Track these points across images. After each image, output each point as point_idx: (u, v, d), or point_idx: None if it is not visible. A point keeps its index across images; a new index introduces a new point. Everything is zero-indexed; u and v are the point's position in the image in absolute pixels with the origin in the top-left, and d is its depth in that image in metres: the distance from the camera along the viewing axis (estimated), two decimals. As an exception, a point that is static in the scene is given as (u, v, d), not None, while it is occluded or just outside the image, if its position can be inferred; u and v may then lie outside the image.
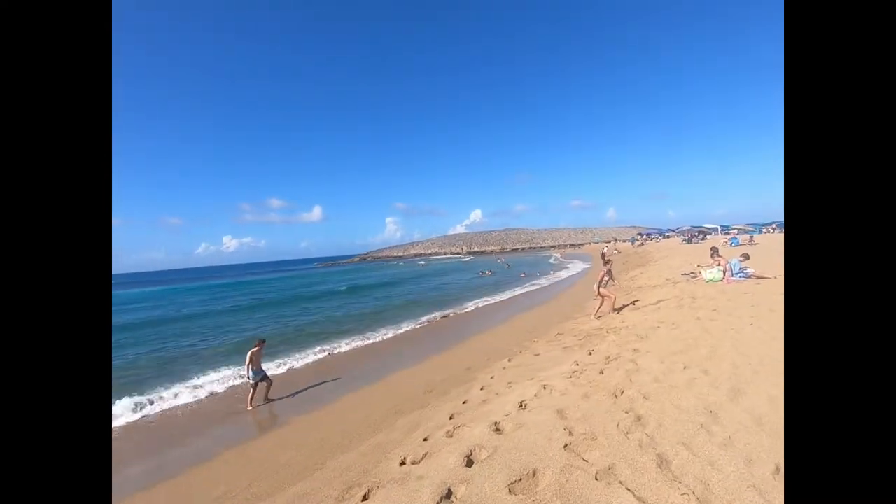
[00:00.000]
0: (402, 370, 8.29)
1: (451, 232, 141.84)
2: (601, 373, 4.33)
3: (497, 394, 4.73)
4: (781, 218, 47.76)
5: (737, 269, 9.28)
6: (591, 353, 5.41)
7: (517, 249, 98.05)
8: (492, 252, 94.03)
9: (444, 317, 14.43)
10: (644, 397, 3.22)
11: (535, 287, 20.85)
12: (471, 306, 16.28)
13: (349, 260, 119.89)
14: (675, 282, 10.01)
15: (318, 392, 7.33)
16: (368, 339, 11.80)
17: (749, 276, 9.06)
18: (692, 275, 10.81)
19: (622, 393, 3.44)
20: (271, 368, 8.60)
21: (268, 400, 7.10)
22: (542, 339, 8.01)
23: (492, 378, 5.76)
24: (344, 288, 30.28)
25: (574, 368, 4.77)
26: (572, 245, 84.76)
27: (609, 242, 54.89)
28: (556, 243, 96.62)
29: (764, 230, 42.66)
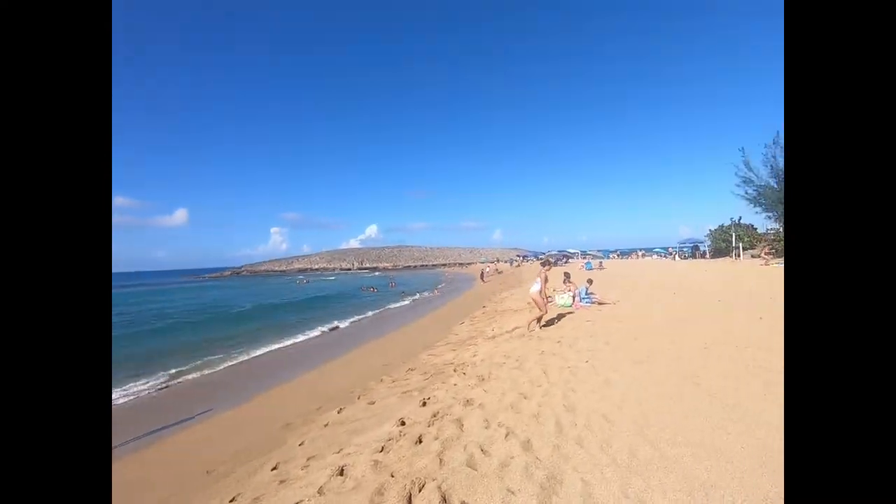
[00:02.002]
0: (214, 419, 6.32)
1: (343, 246, 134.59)
2: (418, 442, 3.36)
3: (282, 481, 3.38)
4: (623, 246, 57.59)
5: (584, 295, 9.80)
6: (424, 404, 4.47)
7: (410, 267, 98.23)
8: (384, 268, 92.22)
9: (297, 342, 12.42)
10: (442, 500, 2.27)
11: (409, 308, 20.09)
12: (334, 330, 14.56)
13: (219, 273, 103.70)
14: (533, 306, 10.14)
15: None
16: (202, 370, 9.30)
17: (593, 302, 9.62)
18: (549, 299, 11.20)
19: (420, 491, 2.46)
20: None
21: None
22: (391, 375, 6.93)
23: (300, 445, 4.36)
24: (197, 306, 24.89)
25: (393, 433, 3.72)
26: (461, 264, 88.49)
27: (492, 263, 58.52)
28: (448, 261, 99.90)
29: (611, 256, 50.73)
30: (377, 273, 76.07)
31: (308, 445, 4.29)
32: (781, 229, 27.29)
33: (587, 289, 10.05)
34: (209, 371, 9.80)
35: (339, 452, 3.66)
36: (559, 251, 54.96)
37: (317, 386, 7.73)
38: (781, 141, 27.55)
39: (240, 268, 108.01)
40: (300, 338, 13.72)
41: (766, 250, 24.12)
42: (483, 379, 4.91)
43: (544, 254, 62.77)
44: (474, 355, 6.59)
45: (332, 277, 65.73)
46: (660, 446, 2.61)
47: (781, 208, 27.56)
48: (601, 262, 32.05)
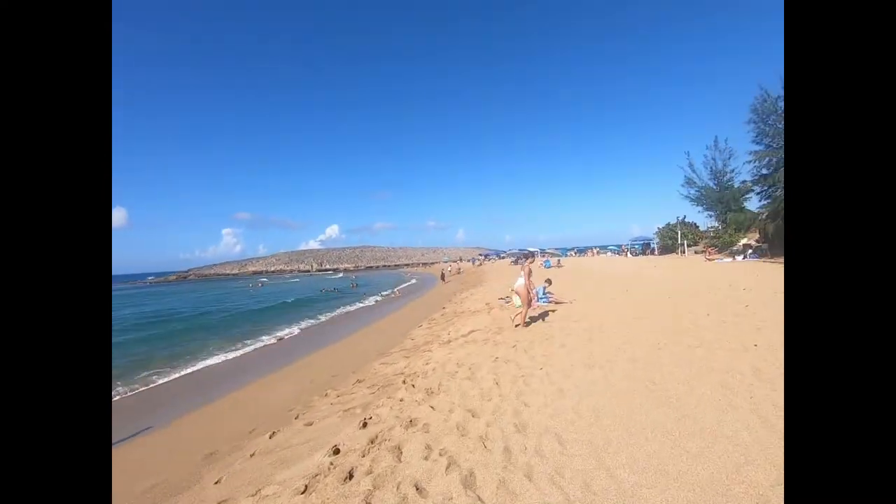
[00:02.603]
0: (130, 447, 5.40)
1: (302, 247, 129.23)
2: (348, 478, 2.88)
3: (179, 539, 2.78)
4: (580, 244, 59.85)
5: (541, 294, 9.69)
6: (364, 425, 3.99)
7: (372, 267, 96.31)
8: (346, 270, 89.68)
9: (245, 352, 11.35)
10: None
11: (367, 310, 19.34)
12: (288, 337, 13.56)
13: (164, 278, 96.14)
14: (491, 307, 9.94)
15: None
16: (134, 388, 8.18)
17: (550, 301, 9.55)
18: (506, 299, 11.04)
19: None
20: None
21: None
22: (336, 389, 6.34)
23: (216, 484, 3.73)
24: (135, 315, 22.41)
25: (323, 465, 3.21)
26: (424, 264, 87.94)
27: (454, 262, 58.50)
28: (411, 261, 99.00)
29: (569, 254, 52.38)
30: (340, 274, 73.63)
31: (224, 484, 3.66)
32: (720, 227, 29.43)
33: (545, 288, 9.96)
34: (143, 388, 8.68)
35: (255, 495, 3.09)
36: (520, 250, 55.95)
37: (256, 402, 6.97)
38: (721, 145, 29.90)
39: (186, 272, 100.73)
40: (247, 348, 12.62)
41: (710, 248, 25.89)
42: (431, 392, 4.50)
43: (505, 252, 63.77)
44: (426, 363, 6.17)
45: (296, 279, 62.86)
46: (616, 473, 2.32)
47: (720, 207, 29.78)
48: (559, 260, 32.84)
